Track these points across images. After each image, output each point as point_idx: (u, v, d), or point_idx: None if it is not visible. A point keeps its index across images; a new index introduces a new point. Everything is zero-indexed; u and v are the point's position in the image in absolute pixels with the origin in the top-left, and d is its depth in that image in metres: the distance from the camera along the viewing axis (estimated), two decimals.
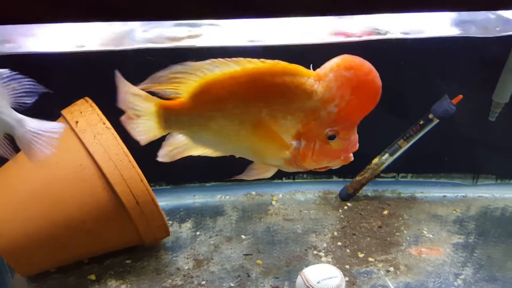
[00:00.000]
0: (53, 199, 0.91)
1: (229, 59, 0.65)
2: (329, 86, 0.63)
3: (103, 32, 0.97)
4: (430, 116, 1.11)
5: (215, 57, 0.71)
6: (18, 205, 0.92)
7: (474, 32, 0.96)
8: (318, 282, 0.92)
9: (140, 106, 0.70)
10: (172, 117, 0.69)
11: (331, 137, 0.66)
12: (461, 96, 1.06)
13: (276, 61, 0.64)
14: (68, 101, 1.04)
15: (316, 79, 0.63)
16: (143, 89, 0.68)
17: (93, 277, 1.02)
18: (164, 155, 0.74)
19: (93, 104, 0.96)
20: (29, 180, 0.92)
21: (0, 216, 0.92)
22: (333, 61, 0.63)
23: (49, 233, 0.92)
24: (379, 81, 0.62)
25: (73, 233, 0.93)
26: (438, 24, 0.98)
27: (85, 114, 0.94)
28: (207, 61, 0.65)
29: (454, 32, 0.99)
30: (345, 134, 0.66)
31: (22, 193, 0.92)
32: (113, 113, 1.00)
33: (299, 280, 0.94)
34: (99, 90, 1.08)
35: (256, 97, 0.65)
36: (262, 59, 0.64)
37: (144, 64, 1.10)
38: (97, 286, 1.00)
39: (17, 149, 0.69)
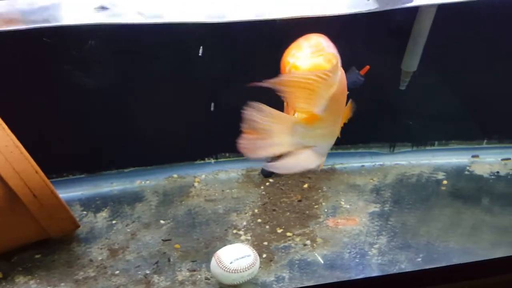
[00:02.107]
0: None
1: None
2: None
3: None
4: None
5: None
6: None
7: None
8: (231, 263, 0.91)
9: (276, 127, 0.69)
10: (310, 132, 0.70)
11: None
12: (368, 67, 1.06)
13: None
14: None
15: None
16: (270, 86, 0.67)
17: None
18: (279, 168, 0.72)
19: None
20: None
21: None
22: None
23: None
24: None
25: None
26: None
27: None
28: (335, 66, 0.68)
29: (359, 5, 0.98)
30: None
31: None
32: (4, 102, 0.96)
33: (212, 262, 0.93)
34: None
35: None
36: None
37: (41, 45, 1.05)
38: (4, 284, 0.95)
39: None
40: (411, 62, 1.12)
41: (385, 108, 1.24)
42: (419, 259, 0.99)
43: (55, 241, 1.04)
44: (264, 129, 0.70)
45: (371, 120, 1.25)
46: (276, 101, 0.80)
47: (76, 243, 1.04)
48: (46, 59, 1.07)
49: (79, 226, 1.02)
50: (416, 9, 1.06)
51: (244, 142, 0.71)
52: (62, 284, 0.95)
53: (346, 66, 1.11)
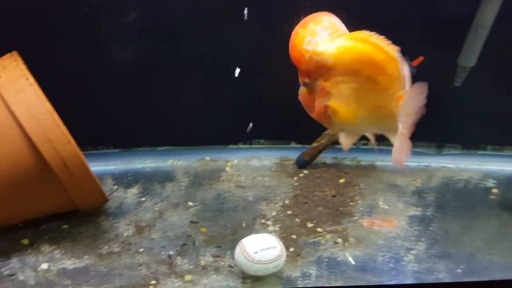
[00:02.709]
0: None
1: None
2: None
3: None
4: None
5: None
6: None
7: None
8: (255, 253, 0.87)
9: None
10: None
11: None
12: (422, 58, 0.97)
13: None
14: None
15: None
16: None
17: (26, 241, 0.96)
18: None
19: (18, 59, 0.88)
20: None
21: None
22: None
23: None
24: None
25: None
26: None
27: (8, 69, 0.86)
28: None
29: None
30: None
31: None
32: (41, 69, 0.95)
33: (237, 250, 0.89)
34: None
35: None
36: None
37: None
38: (30, 250, 0.95)
39: None
40: (470, 56, 1.02)
41: (435, 105, 1.14)
42: (459, 270, 0.91)
43: (83, 213, 1.03)
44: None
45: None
46: None
47: (104, 217, 1.03)
48: (85, 30, 1.06)
49: (108, 200, 1.01)
50: None
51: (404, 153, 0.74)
52: (86, 256, 0.94)
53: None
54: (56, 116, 0.85)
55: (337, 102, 0.74)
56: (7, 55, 0.91)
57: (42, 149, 0.85)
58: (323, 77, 0.74)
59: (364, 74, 0.71)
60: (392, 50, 0.70)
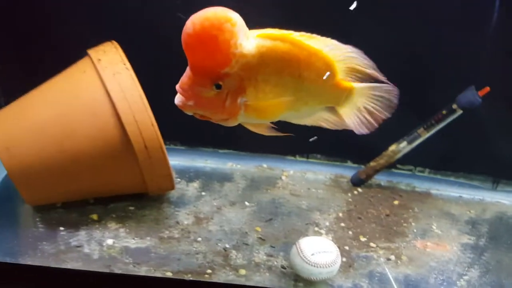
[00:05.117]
0: (65, 129, 0.88)
1: None
2: None
3: None
4: (454, 106, 1.00)
5: None
6: (34, 131, 0.90)
7: None
8: (312, 254, 0.85)
9: None
10: None
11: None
12: (488, 88, 0.95)
13: None
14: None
15: None
16: None
17: (95, 217, 0.99)
18: None
19: (118, 46, 0.93)
20: (47, 108, 0.91)
21: (17, 139, 0.90)
22: None
23: (58, 163, 0.89)
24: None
25: (81, 167, 0.90)
26: None
27: (108, 53, 0.91)
28: None
29: None
30: None
31: (39, 120, 0.90)
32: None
33: (293, 249, 0.87)
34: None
35: None
36: None
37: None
38: (97, 225, 0.97)
39: None
40: None
41: (495, 138, 1.11)
42: None
43: (148, 199, 1.04)
44: None
45: (477, 149, 1.13)
46: None
47: (166, 204, 1.04)
48: (165, 27, 1.09)
49: (174, 188, 1.01)
50: None
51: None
52: (148, 238, 0.95)
53: (464, 83, 1.03)
54: (145, 101, 0.88)
55: (257, 99, 0.68)
56: (107, 42, 0.96)
57: (128, 128, 0.88)
58: (240, 77, 0.66)
59: (288, 72, 0.67)
60: (315, 42, 0.67)
